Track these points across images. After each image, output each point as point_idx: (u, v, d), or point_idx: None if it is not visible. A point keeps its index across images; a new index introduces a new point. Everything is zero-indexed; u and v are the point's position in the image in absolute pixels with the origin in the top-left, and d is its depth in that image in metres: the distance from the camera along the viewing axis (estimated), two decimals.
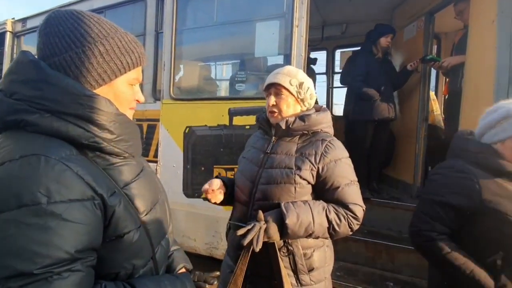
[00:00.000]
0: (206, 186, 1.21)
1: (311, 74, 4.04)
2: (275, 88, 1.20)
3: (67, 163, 0.56)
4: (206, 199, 1.20)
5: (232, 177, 1.35)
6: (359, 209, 1.12)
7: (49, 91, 0.60)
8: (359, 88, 3.06)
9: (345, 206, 1.11)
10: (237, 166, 1.35)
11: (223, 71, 3.19)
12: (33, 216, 0.50)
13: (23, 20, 4.08)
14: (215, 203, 1.23)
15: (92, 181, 0.58)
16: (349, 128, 3.48)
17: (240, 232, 1.02)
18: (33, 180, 0.52)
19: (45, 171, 0.53)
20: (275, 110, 1.21)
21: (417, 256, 2.40)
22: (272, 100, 1.20)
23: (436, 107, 3.81)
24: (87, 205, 0.56)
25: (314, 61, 4.12)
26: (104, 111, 0.63)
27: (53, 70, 0.62)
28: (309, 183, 1.14)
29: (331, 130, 1.25)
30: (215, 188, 1.20)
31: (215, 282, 0.85)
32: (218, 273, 0.89)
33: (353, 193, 1.13)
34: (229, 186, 1.28)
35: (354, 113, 3.18)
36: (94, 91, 0.65)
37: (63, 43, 0.63)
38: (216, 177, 1.31)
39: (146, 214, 0.69)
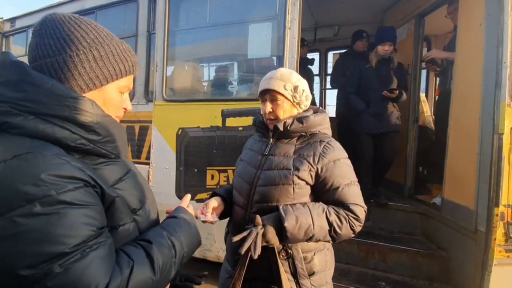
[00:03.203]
0: (201, 216, 1.14)
1: (309, 75, 4.04)
2: (270, 95, 1.18)
3: (63, 157, 0.57)
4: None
5: (226, 182, 1.33)
6: (360, 210, 1.09)
7: (33, 93, 0.59)
8: (348, 100, 3.05)
9: (345, 207, 1.08)
10: (230, 167, 1.34)
11: (216, 73, 3.18)
12: (48, 206, 0.52)
13: (12, 20, 4.00)
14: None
15: (90, 173, 0.60)
16: (341, 129, 3.50)
17: (236, 239, 0.98)
18: (35, 174, 0.53)
19: (45, 165, 0.54)
20: (272, 117, 1.20)
21: (408, 255, 2.45)
22: (269, 107, 1.18)
23: (427, 109, 3.87)
24: (90, 191, 0.58)
25: (311, 61, 4.13)
26: (90, 113, 0.63)
27: (36, 72, 0.61)
28: (307, 184, 1.11)
29: (329, 132, 1.23)
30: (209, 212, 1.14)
31: (202, 282, 0.85)
32: (206, 272, 0.89)
33: (353, 193, 1.11)
34: (227, 199, 1.25)
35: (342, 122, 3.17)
36: (84, 95, 0.65)
37: (57, 45, 0.63)
38: (213, 193, 1.27)
39: (136, 212, 0.70)
